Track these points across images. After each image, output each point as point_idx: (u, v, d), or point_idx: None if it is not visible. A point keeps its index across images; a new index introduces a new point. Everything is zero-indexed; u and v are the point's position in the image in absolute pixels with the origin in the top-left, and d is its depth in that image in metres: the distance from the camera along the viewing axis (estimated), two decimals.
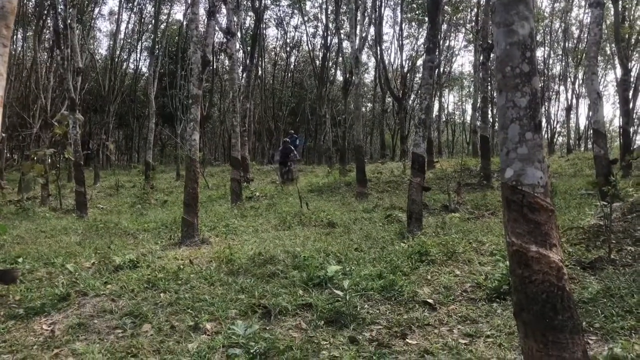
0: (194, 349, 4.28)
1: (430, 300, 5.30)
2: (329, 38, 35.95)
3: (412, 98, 37.05)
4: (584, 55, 37.08)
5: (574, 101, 38.77)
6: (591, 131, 13.14)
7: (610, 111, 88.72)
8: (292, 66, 48.92)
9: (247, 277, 6.23)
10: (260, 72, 38.60)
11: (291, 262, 6.73)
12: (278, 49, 48.61)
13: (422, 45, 36.25)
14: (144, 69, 45.23)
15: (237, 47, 22.04)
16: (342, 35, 24.03)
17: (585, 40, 38.27)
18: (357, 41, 15.92)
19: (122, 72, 39.90)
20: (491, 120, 25.98)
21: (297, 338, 4.50)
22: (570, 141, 39.15)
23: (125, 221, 11.39)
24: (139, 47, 42.47)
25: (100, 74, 36.45)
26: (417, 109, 13.37)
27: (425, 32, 16.33)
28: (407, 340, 4.42)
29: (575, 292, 5.27)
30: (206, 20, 9.61)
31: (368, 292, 5.47)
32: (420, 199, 8.81)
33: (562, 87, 41.42)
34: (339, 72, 41.39)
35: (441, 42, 30.52)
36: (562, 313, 2.83)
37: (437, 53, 16.80)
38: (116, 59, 37.46)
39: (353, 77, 18.39)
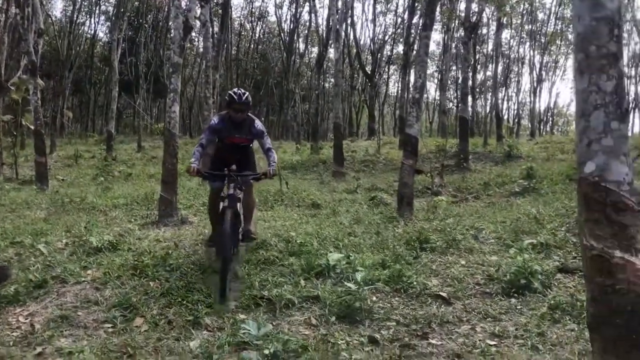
0: (197, 348, 3.82)
1: (443, 294, 4.96)
2: (299, 10, 35.08)
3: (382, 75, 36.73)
4: (550, 38, 37.58)
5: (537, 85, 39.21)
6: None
7: (569, 96, 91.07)
8: (256, 37, 47.74)
9: (240, 264, 5.77)
10: (223, 41, 37.42)
11: (285, 247, 6.30)
12: (242, 19, 47.32)
13: (392, 21, 35.93)
14: (101, 34, 43.34)
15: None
16: (317, 7, 23.33)
17: (551, 23, 38.77)
18: (338, 14, 15.37)
19: (80, 37, 37.99)
20: (471, 101, 25.94)
21: (310, 336, 4.09)
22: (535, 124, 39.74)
23: (91, 195, 10.69)
24: (97, 11, 40.52)
25: (56, 37, 34.58)
26: (411, 88, 13.00)
27: (405, 5, 15.90)
28: (430, 340, 4.07)
29: None
30: None
31: (376, 284, 5.09)
32: (412, 182, 8.51)
33: (524, 70, 41.94)
34: (302, 46, 40.61)
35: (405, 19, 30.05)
36: None
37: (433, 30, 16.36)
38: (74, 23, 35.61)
39: (331, 51, 17.84)
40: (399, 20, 36.25)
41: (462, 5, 27.70)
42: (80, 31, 39.32)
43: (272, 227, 7.51)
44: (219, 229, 5.21)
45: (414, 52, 28.97)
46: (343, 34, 27.55)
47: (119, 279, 5.15)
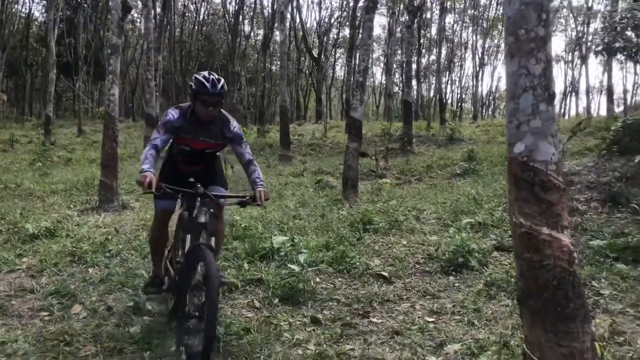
0: (137, 333, 3.76)
1: (385, 273, 5.07)
2: None
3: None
4: (492, 23, 38.49)
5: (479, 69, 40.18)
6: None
7: None
8: (201, 18, 46.64)
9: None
10: (165, 22, 36.40)
11: (229, 231, 6.25)
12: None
13: (338, 4, 35.89)
14: (37, 14, 41.32)
15: None
16: None
17: (493, 9, 39.69)
18: None
19: (13, 16, 36.10)
20: (415, 84, 26.22)
21: (253, 319, 4.09)
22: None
23: (28, 181, 10.27)
24: None
25: None
26: (355, 71, 13.04)
27: None
28: (371, 318, 4.16)
29: None
30: None
31: (319, 265, 5.14)
32: (357, 164, 8.58)
33: (467, 54, 42.85)
34: (248, 28, 40.02)
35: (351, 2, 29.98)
36: (574, 301, 2.63)
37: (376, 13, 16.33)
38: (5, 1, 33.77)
39: (277, 34, 17.66)
40: (345, 3, 36.31)
41: None
42: (14, 10, 37.40)
43: None
44: (183, 277, 3.52)
45: (359, 35, 29.11)
46: (289, 16, 27.34)
47: (56, 266, 5.01)
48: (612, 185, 6.71)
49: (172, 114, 3.90)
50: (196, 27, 45.94)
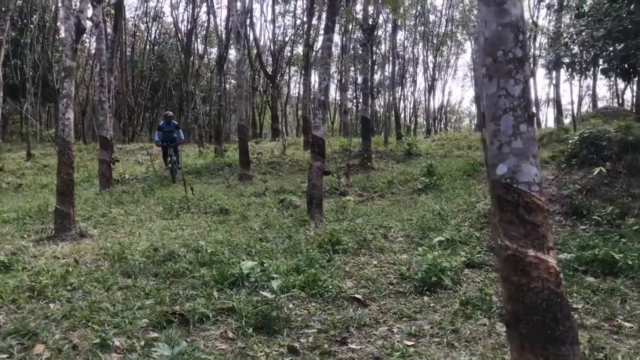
0: None
1: (359, 296, 4.98)
2: (195, 10, 34.18)
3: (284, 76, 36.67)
4: (442, 39, 39.41)
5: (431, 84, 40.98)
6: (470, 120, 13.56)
7: (460, 94, 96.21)
8: (152, 38, 45.96)
9: (147, 278, 5.48)
10: (117, 42, 35.66)
11: (195, 257, 6.07)
12: (136, 19, 45.38)
13: (291, 22, 36.01)
14: None
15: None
16: (216, 8, 22.85)
17: (442, 25, 40.69)
18: (237, 14, 15.10)
19: None
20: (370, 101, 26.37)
21: (227, 351, 3.93)
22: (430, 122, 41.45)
23: None
24: None
25: None
26: (315, 90, 12.99)
27: (303, 7, 15.90)
28: (350, 345, 4.05)
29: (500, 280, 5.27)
30: None
31: (291, 290, 5.00)
32: (321, 183, 8.51)
33: (419, 70, 43.65)
34: (201, 47, 39.70)
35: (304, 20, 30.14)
36: (563, 323, 2.61)
37: (334, 32, 16.22)
38: None
39: (233, 53, 17.49)
40: (298, 21, 36.48)
41: (358, 7, 28.49)
42: None
43: (179, 237, 7.20)
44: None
45: (314, 53, 29.28)
46: (243, 35, 27.18)
47: (14, 302, 4.70)
48: (574, 198, 6.85)
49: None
50: (148, 47, 45.24)
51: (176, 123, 15.18)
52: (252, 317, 4.42)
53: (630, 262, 5.12)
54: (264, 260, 5.82)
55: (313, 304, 4.89)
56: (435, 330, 4.22)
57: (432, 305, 4.76)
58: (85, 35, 31.25)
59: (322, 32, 10.89)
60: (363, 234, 7.05)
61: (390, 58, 29.47)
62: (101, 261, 6.06)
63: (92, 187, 13.95)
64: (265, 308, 4.50)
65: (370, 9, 17.16)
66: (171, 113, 15.73)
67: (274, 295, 4.48)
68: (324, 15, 32.99)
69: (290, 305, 4.78)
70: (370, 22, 15.81)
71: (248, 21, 29.31)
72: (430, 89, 39.99)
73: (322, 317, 4.58)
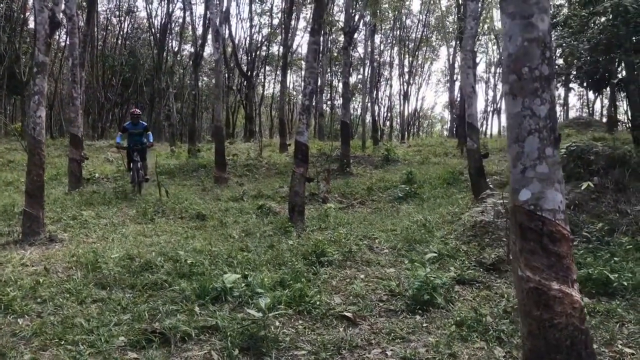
0: None
1: (348, 314, 4.75)
2: (170, 5, 33.54)
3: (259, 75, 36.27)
4: (419, 44, 39.55)
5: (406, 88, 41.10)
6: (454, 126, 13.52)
7: (433, 99, 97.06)
8: (124, 32, 44.93)
9: (123, 290, 5.16)
10: (89, 36, 34.70)
11: (173, 268, 5.76)
12: (109, 12, 44.30)
13: (267, 21, 35.64)
14: None
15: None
16: (192, 3, 22.40)
17: (417, 29, 40.89)
18: (216, 12, 14.74)
19: None
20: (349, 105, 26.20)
21: None
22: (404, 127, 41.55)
23: None
24: None
25: None
26: (300, 95, 12.73)
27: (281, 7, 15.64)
28: None
29: (493, 299, 5.12)
30: None
31: (278, 307, 4.74)
32: (304, 190, 8.28)
33: (394, 74, 43.75)
34: (175, 43, 38.98)
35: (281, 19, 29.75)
36: None
37: (321, 35, 15.94)
38: None
39: (210, 51, 17.11)
40: (275, 21, 36.11)
41: (335, 9, 28.37)
42: None
43: (155, 244, 6.86)
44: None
45: (291, 54, 29.05)
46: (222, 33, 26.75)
47: None
48: None
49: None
50: (120, 41, 44.23)
51: (145, 124, 12.76)
52: (238, 337, 4.15)
53: (625, 283, 5.03)
54: (247, 273, 5.55)
55: (301, 322, 4.65)
56: (432, 354, 4.01)
57: (425, 325, 4.57)
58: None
59: (299, 32, 10.57)
60: (348, 245, 6.84)
61: (367, 62, 29.35)
62: (73, 270, 5.70)
63: (61, 186, 13.44)
64: (251, 327, 4.24)
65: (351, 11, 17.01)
66: (138, 111, 12.81)
67: (261, 314, 4.21)
68: (301, 16, 32.86)
69: (277, 324, 4.53)
70: (350, 26, 15.62)
71: (224, 18, 28.87)
72: (406, 93, 40.02)
73: (311, 337, 4.34)
